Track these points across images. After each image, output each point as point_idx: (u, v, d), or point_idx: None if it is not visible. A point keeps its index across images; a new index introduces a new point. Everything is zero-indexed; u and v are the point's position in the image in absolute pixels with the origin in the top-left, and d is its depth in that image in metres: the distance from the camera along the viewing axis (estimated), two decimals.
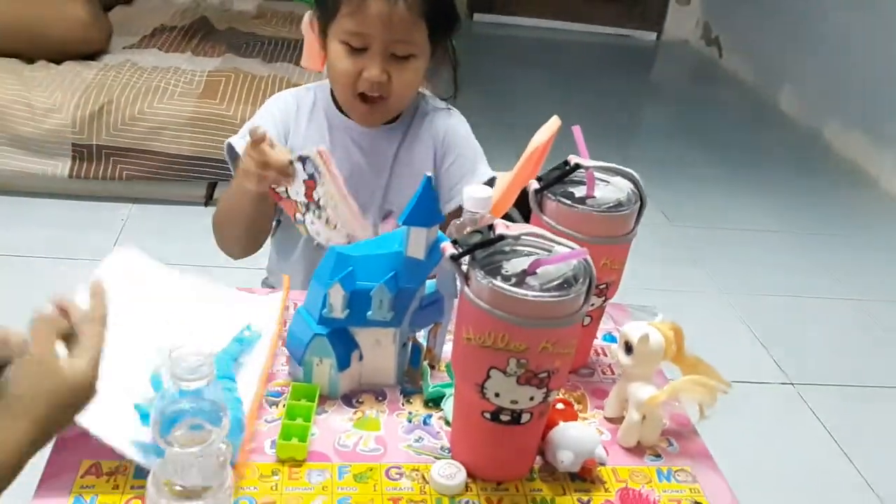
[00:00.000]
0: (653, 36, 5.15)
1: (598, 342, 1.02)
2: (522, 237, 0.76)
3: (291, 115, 1.19)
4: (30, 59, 2.47)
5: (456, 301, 0.78)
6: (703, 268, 2.55)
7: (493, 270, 0.73)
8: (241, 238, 1.19)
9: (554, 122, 1.11)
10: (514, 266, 0.74)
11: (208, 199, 2.48)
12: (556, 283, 0.73)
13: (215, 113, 2.40)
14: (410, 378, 0.91)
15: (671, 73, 4.92)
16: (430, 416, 0.87)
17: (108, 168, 2.39)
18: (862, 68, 3.51)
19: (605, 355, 1.02)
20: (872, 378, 2.14)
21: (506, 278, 0.72)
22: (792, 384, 2.07)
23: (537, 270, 0.73)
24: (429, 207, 0.82)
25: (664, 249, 2.55)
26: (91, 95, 2.38)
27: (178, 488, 0.65)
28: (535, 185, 0.89)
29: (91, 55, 2.59)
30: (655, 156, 3.29)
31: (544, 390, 0.74)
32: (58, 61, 2.51)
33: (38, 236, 2.25)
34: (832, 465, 1.83)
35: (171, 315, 0.91)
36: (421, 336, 0.92)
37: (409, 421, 0.86)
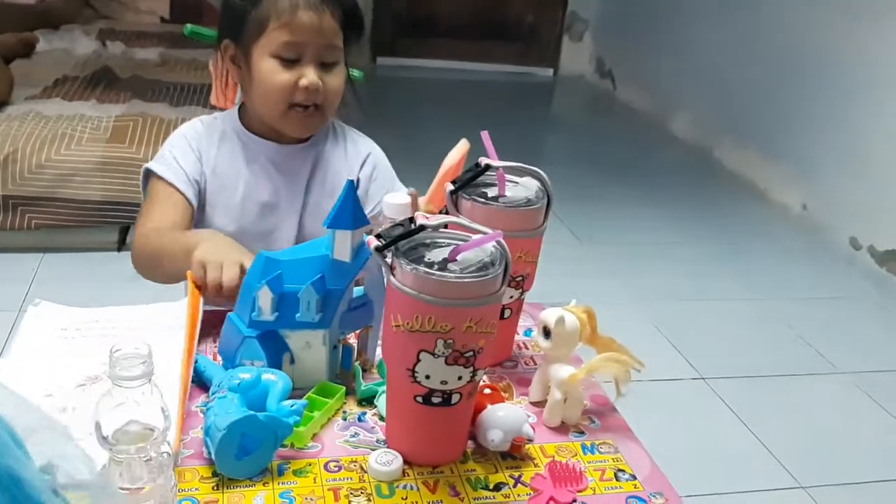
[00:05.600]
0: (550, 72, 5.39)
1: (520, 337, 1.08)
2: (441, 228, 0.81)
3: (203, 138, 1.24)
4: None
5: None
6: (614, 280, 2.67)
7: (417, 260, 0.77)
8: (170, 277, 1.16)
9: (463, 145, 1.17)
10: (435, 255, 0.79)
11: (121, 245, 2.44)
12: (475, 267, 0.78)
13: (125, 157, 2.37)
14: (343, 379, 0.93)
15: (569, 105, 5.14)
16: (364, 414, 0.89)
17: (17, 218, 2.32)
18: (747, 89, 3.77)
19: (527, 349, 1.07)
20: (776, 367, 2.28)
21: (429, 265, 0.76)
22: (703, 378, 2.19)
23: (457, 257, 0.78)
24: (352, 211, 0.85)
25: (576, 266, 2.65)
26: None
27: (123, 489, 0.65)
28: (450, 186, 0.94)
29: None
30: (560, 182, 3.37)
31: (471, 369, 0.78)
32: None
33: None
34: (744, 445, 1.95)
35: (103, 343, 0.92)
36: (352, 339, 0.95)
37: (344, 419, 0.88)
